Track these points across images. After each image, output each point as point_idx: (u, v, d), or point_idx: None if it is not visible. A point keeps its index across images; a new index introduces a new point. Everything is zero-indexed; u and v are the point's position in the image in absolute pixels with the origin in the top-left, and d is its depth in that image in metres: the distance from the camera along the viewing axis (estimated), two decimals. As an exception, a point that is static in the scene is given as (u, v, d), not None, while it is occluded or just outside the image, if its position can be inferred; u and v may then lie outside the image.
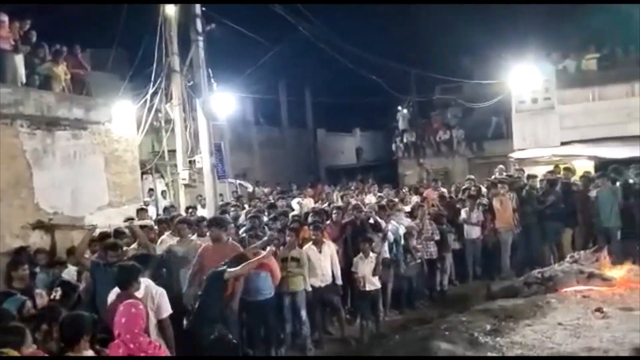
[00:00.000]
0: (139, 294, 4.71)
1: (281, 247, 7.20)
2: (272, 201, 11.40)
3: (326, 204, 11.02)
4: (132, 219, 7.98)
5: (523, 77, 16.68)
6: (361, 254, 7.53)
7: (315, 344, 7.32)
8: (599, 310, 7.09)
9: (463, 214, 10.28)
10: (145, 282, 4.91)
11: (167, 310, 4.97)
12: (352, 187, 15.59)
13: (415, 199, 11.53)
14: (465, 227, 10.22)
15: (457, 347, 5.87)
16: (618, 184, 9.88)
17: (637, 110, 16.02)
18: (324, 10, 16.94)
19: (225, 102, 13.14)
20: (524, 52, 17.07)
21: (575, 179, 11.13)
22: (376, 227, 8.30)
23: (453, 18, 21.14)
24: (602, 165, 13.01)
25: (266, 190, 15.32)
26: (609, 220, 9.57)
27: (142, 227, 7.21)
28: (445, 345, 5.93)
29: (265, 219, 8.62)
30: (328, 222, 8.39)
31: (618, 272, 8.40)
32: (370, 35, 23.07)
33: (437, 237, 9.36)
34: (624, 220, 9.53)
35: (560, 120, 16.88)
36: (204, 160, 10.72)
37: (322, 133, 27.20)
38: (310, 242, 7.38)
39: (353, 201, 10.62)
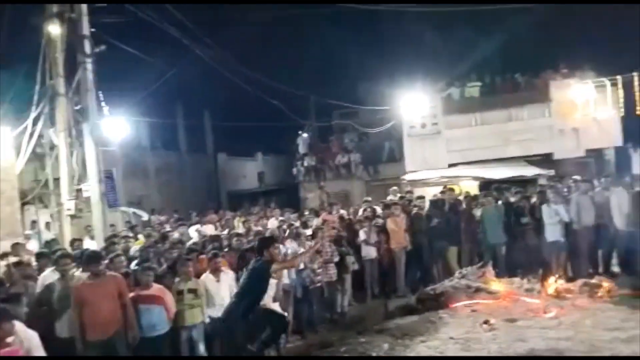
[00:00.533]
0: (11, 338, 4.29)
1: (175, 279, 6.93)
2: (164, 231, 10.90)
3: (226, 231, 10.80)
4: (7, 254, 7.29)
5: (412, 104, 17.78)
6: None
7: (215, 377, 7.06)
8: (486, 322, 7.53)
9: (361, 235, 10.53)
10: (17, 325, 4.48)
11: (37, 353, 4.59)
12: (254, 212, 15.45)
13: (317, 221, 11.65)
14: (363, 247, 10.47)
15: (356, 370, 5.95)
16: (500, 202, 10.67)
17: (514, 134, 17.63)
18: (222, 34, 16.92)
19: (117, 127, 12.56)
20: (413, 80, 18.19)
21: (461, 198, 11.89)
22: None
23: (350, 46, 22.04)
24: (485, 185, 14.06)
25: (163, 218, 14.72)
26: (494, 237, 10.27)
27: (17, 263, 6.59)
28: (345, 368, 5.99)
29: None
30: (226, 249, 8.20)
31: (503, 286, 9.01)
32: (270, 60, 23.41)
33: (336, 259, 9.49)
34: (507, 236, 10.27)
35: (447, 143, 18.13)
36: (92, 188, 10.10)
37: (223, 157, 26.81)
38: (208, 271, 7.16)
39: (254, 227, 10.52)
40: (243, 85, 15.97)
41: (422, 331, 7.40)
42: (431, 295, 8.86)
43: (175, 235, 10.26)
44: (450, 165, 17.74)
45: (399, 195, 13.45)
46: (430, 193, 12.93)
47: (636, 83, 16.10)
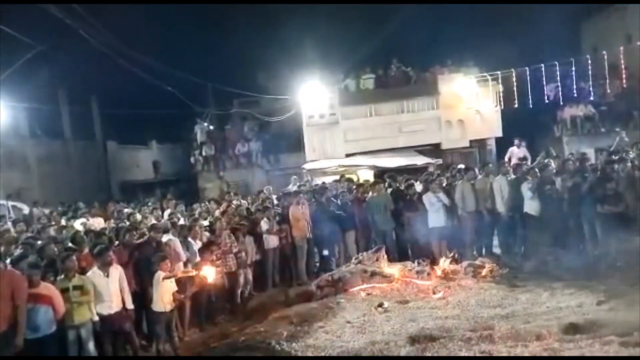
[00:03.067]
0: None
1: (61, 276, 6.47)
2: (40, 226, 10.09)
3: (115, 224, 10.24)
4: None
5: (311, 94, 17.99)
6: (156, 275, 7.14)
7: (105, 378, 6.71)
8: (380, 305, 7.86)
9: (263, 225, 10.48)
10: None
11: None
12: (149, 204, 14.79)
13: (217, 212, 11.42)
14: (265, 237, 10.43)
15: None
16: (390, 190, 11.13)
17: (406, 124, 18.47)
18: (112, 15, 15.95)
19: (-10, 112, 11.42)
20: (312, 70, 18.39)
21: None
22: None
23: (250, 35, 21.76)
24: (380, 174, 14.62)
25: (47, 211, 13.62)
26: (382, 223, 10.70)
27: None
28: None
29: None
30: (117, 243, 7.79)
31: (395, 269, 9.43)
32: (167, 46, 22.43)
33: (235, 250, 9.38)
34: (396, 222, 10.74)
35: (344, 133, 18.59)
36: (-39, 180, 9.11)
37: (114, 146, 25.29)
38: (95, 267, 6.75)
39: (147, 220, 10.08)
40: (135, 70, 15.19)
41: (321, 317, 7.55)
42: (329, 281, 9.07)
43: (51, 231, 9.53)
44: (348, 155, 18.22)
45: (298, 184, 13.57)
46: (329, 181, 13.19)
47: (514, 79, 17.46)
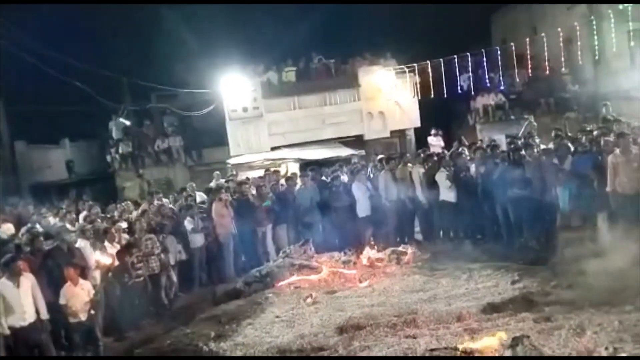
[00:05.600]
0: None
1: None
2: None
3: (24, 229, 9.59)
4: None
5: (233, 87, 17.69)
6: (69, 282, 6.77)
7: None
8: (309, 297, 7.91)
9: (187, 224, 10.21)
10: None
11: None
12: (64, 206, 13.95)
13: (135, 213, 10.98)
14: (190, 236, 10.17)
15: (182, 362, 5.80)
16: (314, 182, 11.22)
17: (329, 117, 18.65)
18: (18, 10, 14.88)
19: None
20: (232, 63, 18.06)
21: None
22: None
23: (168, 26, 21.00)
24: (306, 166, 14.68)
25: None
26: (309, 215, 10.77)
27: None
28: (170, 362, 5.79)
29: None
30: (28, 249, 7.31)
31: (323, 261, 9.52)
32: (77, 39, 21.17)
33: (157, 251, 9.08)
34: (323, 213, 10.84)
35: (269, 127, 18.47)
36: None
37: (22, 146, 23.55)
38: (4, 277, 6.30)
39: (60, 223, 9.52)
40: (43, 66, 14.28)
41: (249, 313, 7.50)
42: (257, 277, 9.01)
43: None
44: (273, 148, 18.12)
45: (222, 180, 13.33)
46: (254, 176, 13.06)
47: (429, 70, 18.07)
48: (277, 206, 10.83)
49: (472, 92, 19.03)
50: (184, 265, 10.10)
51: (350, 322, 6.49)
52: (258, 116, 18.41)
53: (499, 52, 18.48)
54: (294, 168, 15.80)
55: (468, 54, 18.11)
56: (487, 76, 18.81)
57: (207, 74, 18.57)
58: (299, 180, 11.57)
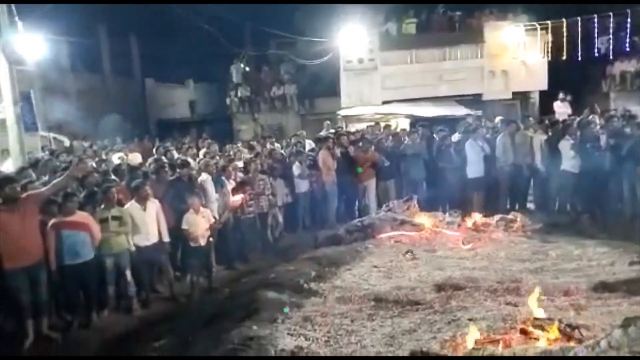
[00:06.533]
0: None
1: (101, 206, 6.74)
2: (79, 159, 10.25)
3: (151, 159, 10.47)
4: None
5: (350, 38, 17.50)
6: (191, 210, 7.35)
7: (142, 304, 7.08)
8: (408, 252, 7.91)
9: (295, 169, 10.56)
10: None
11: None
12: (185, 143, 15.02)
13: (248, 154, 11.54)
14: (296, 180, 10.54)
15: (282, 295, 6.11)
16: (422, 139, 10.96)
17: (447, 73, 17.92)
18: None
19: (33, 45, 11.62)
20: (352, 12, 17.81)
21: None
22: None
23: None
24: (415, 122, 14.38)
25: (86, 144, 14.01)
26: (416, 172, 10.61)
27: None
28: (272, 293, 6.13)
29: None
30: (154, 176, 8.02)
31: (426, 219, 9.43)
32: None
33: (268, 192, 9.53)
34: (430, 172, 10.64)
35: (383, 80, 18.16)
36: (7, 110, 9.40)
37: (151, 83, 25.52)
38: (134, 200, 6.99)
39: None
40: (174, 7, 15.09)
41: (348, 260, 7.65)
42: (359, 226, 9.14)
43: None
44: (384, 102, 17.90)
45: (331, 130, 13.49)
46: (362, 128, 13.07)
47: (564, 29, 16.60)
48: (387, 164, 10.76)
49: (610, 56, 17.26)
50: (290, 207, 10.55)
51: (449, 281, 6.41)
52: (373, 68, 18.19)
53: (646, 13, 16.48)
54: (405, 124, 15.55)
55: (610, 13, 16.34)
56: (629, 39, 16.91)
57: (326, 23, 18.55)
58: (406, 137, 11.39)
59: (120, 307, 6.94)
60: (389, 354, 4.60)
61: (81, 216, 6.38)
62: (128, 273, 6.81)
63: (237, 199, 8.57)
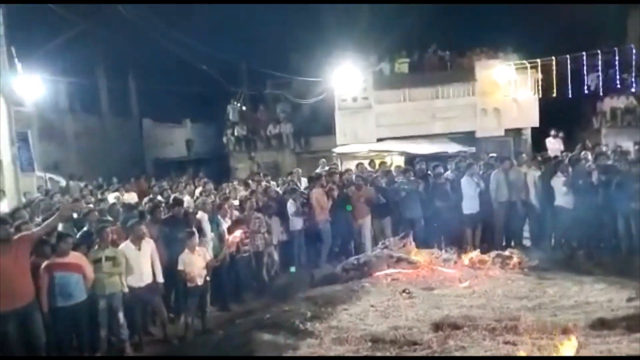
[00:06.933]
0: None
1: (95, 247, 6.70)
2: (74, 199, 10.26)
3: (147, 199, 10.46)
4: None
5: (344, 77, 17.85)
6: (187, 250, 7.30)
7: (134, 347, 6.94)
8: (405, 291, 7.85)
9: (289, 206, 10.55)
10: None
11: None
12: (182, 182, 15.05)
13: (244, 192, 11.54)
14: (291, 218, 10.51)
15: (278, 336, 6.04)
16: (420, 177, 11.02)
17: (440, 111, 18.18)
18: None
19: (32, 85, 11.79)
20: (346, 53, 18.20)
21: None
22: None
23: (284, 15, 21.63)
24: (410, 160, 14.47)
25: (82, 184, 14.03)
26: (412, 210, 10.60)
27: None
28: (267, 335, 6.06)
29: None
30: (149, 216, 8.00)
31: (422, 256, 9.39)
32: (203, 24, 22.50)
33: (263, 230, 9.50)
34: (426, 209, 10.64)
35: (377, 118, 18.42)
36: (4, 150, 9.45)
37: (149, 123, 25.72)
38: (128, 240, 6.95)
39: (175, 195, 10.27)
40: (171, 48, 15.37)
41: (345, 299, 7.60)
42: (355, 265, 9.10)
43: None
44: (379, 140, 18.08)
45: (327, 167, 13.56)
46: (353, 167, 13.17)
47: (554, 67, 16.95)
48: (383, 201, 10.78)
49: (600, 93, 17.57)
50: (285, 246, 10.48)
51: (446, 320, 6.35)
52: (367, 107, 18.47)
53: (634, 52, 16.84)
54: (399, 161, 15.66)
55: (599, 51, 16.74)
56: (618, 77, 17.26)
57: (321, 63, 18.93)
58: (401, 175, 11.45)
59: (112, 351, 6.81)
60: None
61: (75, 257, 6.34)
62: (121, 315, 6.70)
63: (237, 234, 8.55)
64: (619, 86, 17.36)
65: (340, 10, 20.16)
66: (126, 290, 6.78)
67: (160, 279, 7.16)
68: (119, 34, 16.97)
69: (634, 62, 16.90)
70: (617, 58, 16.80)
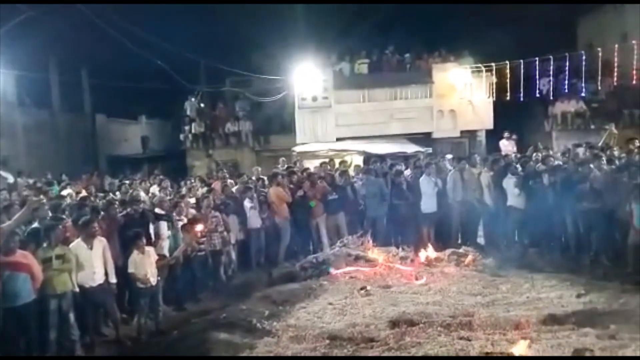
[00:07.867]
0: None
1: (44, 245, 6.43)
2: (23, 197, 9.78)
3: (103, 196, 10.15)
4: None
5: (305, 77, 17.84)
6: (136, 251, 7.09)
7: (85, 349, 6.71)
8: (363, 289, 7.91)
9: (246, 204, 10.45)
10: None
11: None
12: (137, 179, 14.67)
13: (202, 190, 11.36)
14: (248, 216, 10.40)
15: (234, 336, 5.96)
16: (378, 177, 11.13)
17: (398, 112, 18.43)
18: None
19: (-24, 77, 11.23)
20: (306, 52, 18.20)
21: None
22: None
23: (246, 13, 21.41)
24: (369, 159, 14.61)
25: (31, 181, 13.46)
26: (375, 209, 10.70)
27: None
28: (224, 334, 5.97)
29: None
30: (102, 215, 7.75)
31: (380, 254, 9.48)
32: (160, 19, 22.01)
33: (221, 229, 9.37)
34: (385, 208, 10.74)
35: (336, 118, 18.52)
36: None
37: (103, 119, 24.94)
38: (79, 238, 6.71)
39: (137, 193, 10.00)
40: (127, 42, 14.95)
41: (303, 297, 7.59)
42: (313, 263, 9.10)
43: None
44: (339, 139, 18.16)
45: (286, 166, 13.52)
46: (315, 165, 13.17)
47: (508, 71, 17.44)
48: (335, 197, 10.81)
49: (551, 97, 18.20)
50: (243, 245, 10.37)
51: (403, 317, 6.43)
52: (327, 106, 18.51)
53: (583, 57, 17.49)
54: (358, 160, 15.77)
55: (550, 56, 17.32)
56: (568, 82, 17.92)
57: (282, 62, 18.87)
58: (353, 173, 11.54)
59: (62, 352, 6.55)
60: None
61: (21, 255, 6.05)
62: (71, 315, 6.45)
63: (199, 228, 8.42)
64: (568, 91, 18.01)
65: (302, 10, 20.13)
66: (77, 289, 6.54)
67: (113, 279, 6.95)
68: (72, 26, 16.38)
69: (583, 68, 17.56)
70: (567, 64, 17.41)
